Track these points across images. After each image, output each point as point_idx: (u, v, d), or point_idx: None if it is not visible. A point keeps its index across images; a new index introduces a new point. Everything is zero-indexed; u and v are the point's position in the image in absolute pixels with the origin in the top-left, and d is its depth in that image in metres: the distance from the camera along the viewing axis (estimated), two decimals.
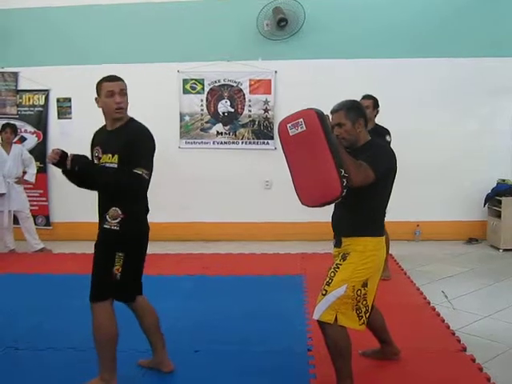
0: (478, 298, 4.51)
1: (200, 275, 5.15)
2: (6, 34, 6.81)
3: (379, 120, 4.68)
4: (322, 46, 6.61)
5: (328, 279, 2.68)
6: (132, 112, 2.84)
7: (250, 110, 6.86)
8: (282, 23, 6.48)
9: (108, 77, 2.78)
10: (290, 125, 2.53)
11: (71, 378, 2.93)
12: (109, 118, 2.79)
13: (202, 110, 6.92)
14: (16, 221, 6.41)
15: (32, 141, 7.06)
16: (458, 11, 6.50)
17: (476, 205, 6.67)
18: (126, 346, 3.03)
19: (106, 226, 2.73)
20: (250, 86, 6.82)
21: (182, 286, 4.82)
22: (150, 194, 2.85)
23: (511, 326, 3.78)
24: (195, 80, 6.88)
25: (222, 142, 6.93)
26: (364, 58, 6.54)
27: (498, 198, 6.35)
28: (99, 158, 2.77)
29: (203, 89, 6.88)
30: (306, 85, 6.46)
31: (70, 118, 7.02)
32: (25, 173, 6.36)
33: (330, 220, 2.87)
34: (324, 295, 2.64)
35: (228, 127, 6.92)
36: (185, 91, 6.89)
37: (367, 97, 4.59)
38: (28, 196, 6.49)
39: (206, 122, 6.94)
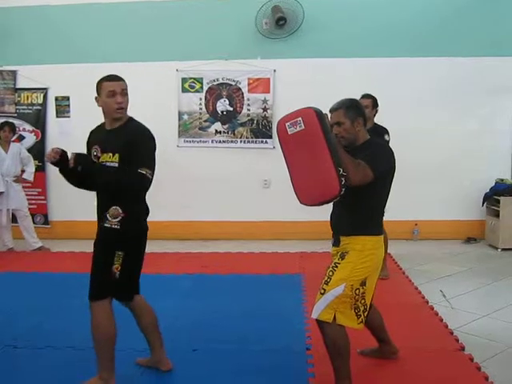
0: (477, 297, 4.52)
1: (199, 274, 5.15)
2: (4, 32, 6.79)
3: (378, 119, 4.68)
4: (320, 45, 6.61)
5: (326, 278, 2.68)
6: (131, 110, 2.82)
7: (248, 109, 6.86)
8: (280, 22, 6.48)
9: (109, 76, 2.76)
10: (288, 123, 2.53)
11: (70, 376, 2.92)
12: (109, 117, 2.78)
13: (201, 108, 6.92)
14: (14, 219, 6.41)
15: (30, 139, 7.05)
16: (457, 10, 6.50)
17: (474, 204, 6.68)
18: (125, 345, 3.03)
19: (106, 225, 2.72)
20: (249, 84, 6.82)
21: (181, 284, 4.82)
22: (148, 192, 2.83)
23: (509, 325, 3.79)
24: (194, 79, 6.87)
25: (220, 141, 6.93)
26: (363, 56, 6.53)
27: (496, 197, 6.35)
28: (98, 157, 2.77)
29: (202, 87, 6.88)
30: (305, 84, 6.46)
31: (69, 117, 7.01)
32: (23, 171, 6.35)
33: (329, 219, 2.88)
34: (322, 294, 2.65)
35: (226, 126, 6.92)
36: (183, 90, 6.88)
37: (366, 96, 4.59)
38: (26, 194, 6.48)
39: (205, 121, 6.93)
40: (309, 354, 3.22)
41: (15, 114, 7.04)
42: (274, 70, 6.76)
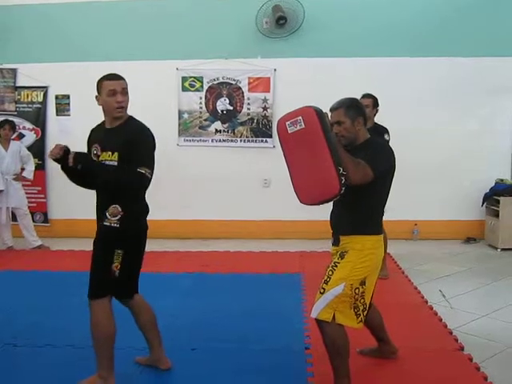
0: (476, 297, 4.52)
1: (198, 273, 5.15)
2: (4, 31, 6.79)
3: (378, 119, 4.68)
4: (321, 45, 6.60)
5: (326, 277, 2.68)
6: (131, 109, 2.82)
7: (248, 108, 6.85)
8: (281, 21, 6.48)
9: (109, 75, 2.76)
10: (288, 122, 2.53)
11: (69, 375, 2.92)
12: (109, 116, 2.78)
13: (201, 107, 6.92)
14: (14, 218, 6.41)
15: (30, 138, 7.05)
16: (457, 10, 6.50)
17: (474, 204, 6.68)
18: (124, 344, 3.03)
19: (105, 223, 2.72)
20: (249, 83, 6.81)
21: (181, 283, 4.82)
22: (147, 191, 2.84)
23: (508, 325, 3.79)
24: (194, 78, 6.87)
25: (220, 140, 6.92)
26: (363, 56, 6.53)
27: (496, 197, 6.35)
28: (98, 156, 2.77)
29: (202, 86, 6.87)
30: (305, 83, 6.45)
31: (69, 115, 7.01)
32: (23, 170, 6.35)
33: (329, 218, 2.87)
34: (322, 293, 2.65)
35: (227, 125, 6.92)
36: (184, 89, 6.88)
37: (367, 95, 4.59)
38: (26, 193, 6.48)
39: (205, 120, 6.93)
40: (308, 354, 3.23)
41: (15, 112, 7.04)
42: (275, 70, 6.75)
